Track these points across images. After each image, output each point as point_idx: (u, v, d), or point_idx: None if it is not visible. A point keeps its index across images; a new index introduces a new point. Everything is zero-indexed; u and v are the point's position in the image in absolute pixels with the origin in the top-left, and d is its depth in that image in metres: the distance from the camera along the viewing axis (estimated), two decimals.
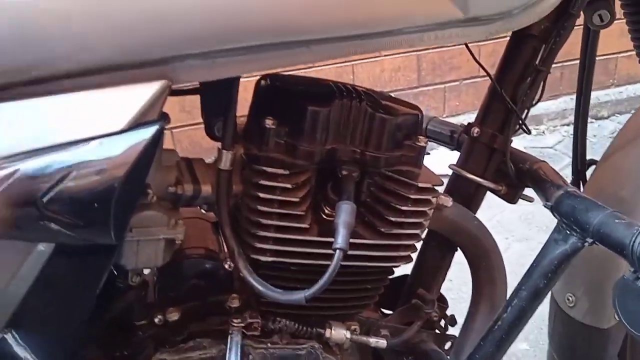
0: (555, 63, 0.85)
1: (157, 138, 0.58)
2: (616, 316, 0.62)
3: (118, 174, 0.56)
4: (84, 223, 0.56)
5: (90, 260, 0.61)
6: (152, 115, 0.58)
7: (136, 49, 0.57)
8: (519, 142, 0.99)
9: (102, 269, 0.61)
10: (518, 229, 2.22)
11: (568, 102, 3.03)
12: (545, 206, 0.74)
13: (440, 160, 1.02)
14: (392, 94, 0.82)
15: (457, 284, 1.31)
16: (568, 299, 0.99)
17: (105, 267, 0.61)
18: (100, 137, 0.56)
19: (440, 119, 1.06)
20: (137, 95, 0.57)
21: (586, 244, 0.67)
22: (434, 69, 2.93)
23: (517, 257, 1.72)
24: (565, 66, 2.68)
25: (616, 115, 3.08)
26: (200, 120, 0.72)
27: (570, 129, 3.09)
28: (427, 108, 2.76)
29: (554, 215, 0.72)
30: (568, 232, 0.68)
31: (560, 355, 1.04)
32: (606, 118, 3.09)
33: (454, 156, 0.95)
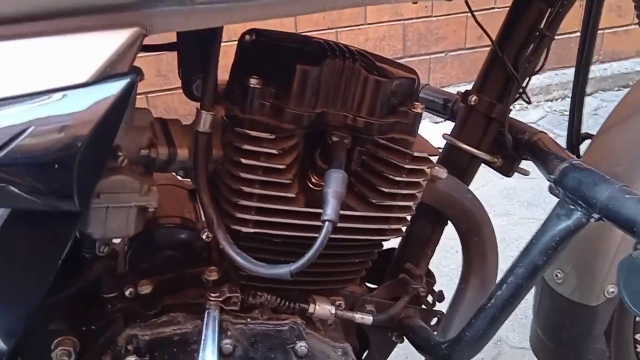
0: None
1: (128, 93, 0.52)
2: (624, 298, 0.59)
3: (82, 132, 0.50)
4: (44, 186, 0.50)
5: (50, 229, 0.55)
6: (123, 67, 0.52)
7: None
8: None
9: (64, 239, 0.55)
10: (499, 204, 2.20)
11: (552, 77, 3.00)
12: (547, 179, 0.70)
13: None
14: None
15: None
16: (556, 275, 0.96)
17: (68, 237, 0.55)
18: (63, 90, 0.50)
19: (432, 87, 1.01)
20: (105, 44, 0.51)
21: (592, 219, 0.63)
22: (420, 39, 2.86)
23: (498, 232, 1.69)
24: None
25: (600, 92, 3.06)
26: (178, 85, 0.65)
27: (554, 104, 3.07)
28: None
29: (557, 189, 0.68)
30: (572, 207, 0.64)
31: (545, 331, 1.02)
32: (589, 95, 3.07)
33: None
